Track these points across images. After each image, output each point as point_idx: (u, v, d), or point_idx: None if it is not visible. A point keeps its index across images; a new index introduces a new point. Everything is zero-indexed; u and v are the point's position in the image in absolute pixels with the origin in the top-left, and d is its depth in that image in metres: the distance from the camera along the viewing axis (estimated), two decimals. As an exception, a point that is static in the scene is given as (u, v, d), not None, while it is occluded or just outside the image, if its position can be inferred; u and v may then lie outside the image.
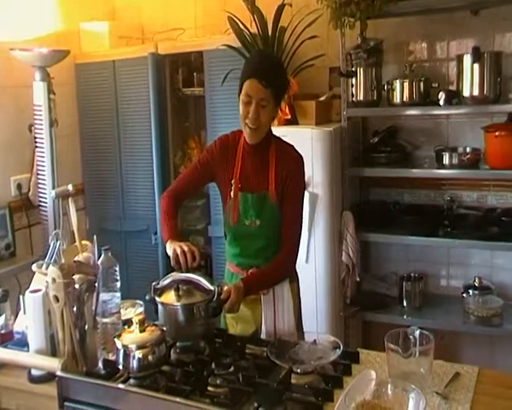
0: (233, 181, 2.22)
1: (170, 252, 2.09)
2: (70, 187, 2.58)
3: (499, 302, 3.27)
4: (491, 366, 3.25)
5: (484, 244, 3.19)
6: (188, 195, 2.40)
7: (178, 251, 2.05)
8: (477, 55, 3.02)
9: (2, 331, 2.14)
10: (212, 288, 1.99)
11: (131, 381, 1.79)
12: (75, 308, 1.90)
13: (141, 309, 2.28)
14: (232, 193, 2.22)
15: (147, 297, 2.03)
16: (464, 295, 3.36)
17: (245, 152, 2.22)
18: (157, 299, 1.99)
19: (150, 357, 1.77)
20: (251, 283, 2.12)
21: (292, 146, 2.27)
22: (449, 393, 1.74)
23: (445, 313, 3.38)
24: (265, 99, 2.07)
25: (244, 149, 2.22)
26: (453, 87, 3.27)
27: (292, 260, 2.26)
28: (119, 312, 2.12)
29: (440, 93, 3.14)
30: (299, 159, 2.25)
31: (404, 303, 3.45)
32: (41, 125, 3.52)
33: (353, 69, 3.36)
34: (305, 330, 2.14)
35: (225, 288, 2.02)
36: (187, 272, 2.02)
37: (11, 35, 3.57)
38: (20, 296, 2.10)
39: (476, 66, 3.03)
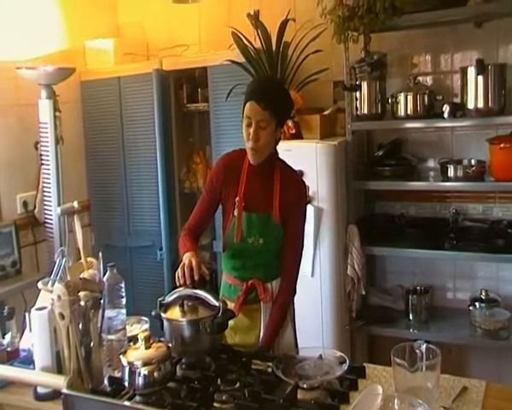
0: (237, 199, 2.23)
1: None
2: (75, 204, 2.57)
3: (506, 315, 3.25)
4: (498, 379, 3.24)
5: (490, 257, 3.18)
6: (204, 228, 2.38)
7: (180, 265, 2.05)
8: (481, 68, 3.02)
9: (9, 349, 2.14)
10: (217, 304, 1.99)
11: (137, 398, 1.78)
12: (81, 325, 1.90)
13: (146, 326, 2.28)
14: (236, 211, 2.23)
15: (152, 313, 2.03)
16: (471, 308, 3.33)
17: (250, 172, 2.24)
18: (162, 315, 1.99)
19: (156, 374, 1.76)
20: (270, 338, 2.21)
21: (296, 172, 2.32)
22: (456, 408, 1.72)
23: (452, 326, 3.36)
24: (265, 120, 2.11)
25: (249, 169, 2.24)
26: (457, 100, 3.28)
27: (293, 290, 2.30)
28: (124, 328, 2.12)
29: (445, 106, 3.14)
30: (302, 187, 2.30)
31: (411, 317, 3.43)
32: (47, 142, 3.54)
33: (357, 83, 3.37)
34: (310, 344, 2.13)
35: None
36: (192, 288, 2.02)
37: (17, 54, 3.60)
38: (26, 314, 2.11)
39: (480, 78, 3.03)
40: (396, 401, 1.60)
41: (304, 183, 2.32)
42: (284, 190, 2.21)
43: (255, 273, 2.26)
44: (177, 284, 2.03)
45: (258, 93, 2.14)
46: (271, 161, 2.23)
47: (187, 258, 2.06)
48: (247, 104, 2.12)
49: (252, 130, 2.11)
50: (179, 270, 2.04)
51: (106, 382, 1.92)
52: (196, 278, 2.00)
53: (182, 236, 2.28)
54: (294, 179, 2.29)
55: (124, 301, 2.11)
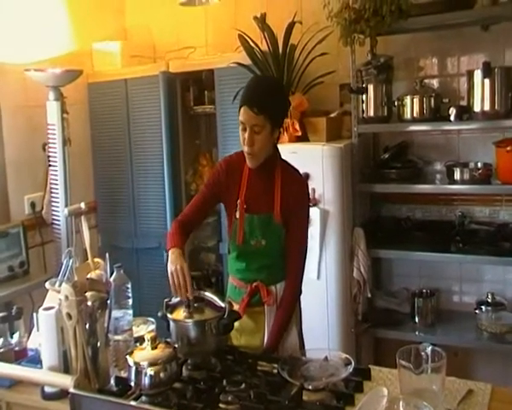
0: (238, 202, 2.23)
1: (169, 268, 2.01)
2: (82, 205, 2.60)
3: (513, 318, 3.24)
4: (504, 383, 3.21)
5: (496, 260, 3.18)
6: (198, 221, 2.35)
7: (171, 270, 2.00)
8: (488, 71, 3.02)
9: (16, 349, 2.16)
10: (223, 305, 2.00)
11: (143, 398, 1.79)
12: (87, 326, 1.91)
13: (153, 326, 2.29)
14: (237, 213, 2.23)
15: (159, 314, 2.04)
16: (477, 311, 3.33)
17: (251, 173, 2.24)
18: (169, 316, 2.00)
19: (162, 374, 1.77)
20: (276, 340, 2.19)
21: (298, 171, 2.30)
22: (462, 410, 1.73)
23: (458, 329, 3.36)
24: (259, 125, 2.09)
25: (250, 171, 2.24)
26: (464, 102, 3.27)
27: (298, 290, 2.28)
28: (131, 329, 2.13)
29: (451, 109, 3.15)
30: (304, 185, 2.29)
31: (416, 319, 3.43)
32: (54, 143, 3.56)
33: (364, 86, 3.38)
34: (316, 346, 2.13)
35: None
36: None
37: (26, 56, 3.62)
38: (34, 314, 2.12)
39: (487, 81, 3.03)
40: (401, 403, 1.60)
41: (306, 182, 2.31)
42: (285, 190, 2.20)
43: (259, 276, 2.26)
44: (173, 294, 2.00)
45: (250, 98, 2.12)
46: (272, 161, 2.22)
47: (177, 264, 2.00)
48: (241, 109, 2.11)
49: (246, 135, 2.11)
50: (173, 278, 1.99)
51: (112, 382, 1.93)
52: (191, 297, 1.97)
53: (172, 226, 2.23)
54: (295, 178, 2.27)
55: (130, 301, 2.12)
